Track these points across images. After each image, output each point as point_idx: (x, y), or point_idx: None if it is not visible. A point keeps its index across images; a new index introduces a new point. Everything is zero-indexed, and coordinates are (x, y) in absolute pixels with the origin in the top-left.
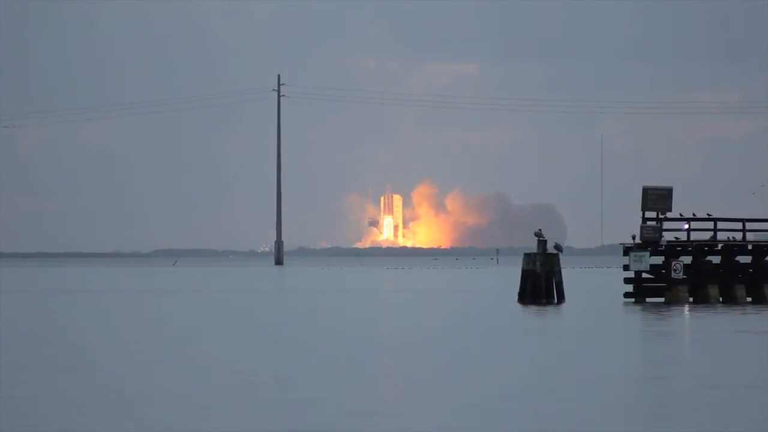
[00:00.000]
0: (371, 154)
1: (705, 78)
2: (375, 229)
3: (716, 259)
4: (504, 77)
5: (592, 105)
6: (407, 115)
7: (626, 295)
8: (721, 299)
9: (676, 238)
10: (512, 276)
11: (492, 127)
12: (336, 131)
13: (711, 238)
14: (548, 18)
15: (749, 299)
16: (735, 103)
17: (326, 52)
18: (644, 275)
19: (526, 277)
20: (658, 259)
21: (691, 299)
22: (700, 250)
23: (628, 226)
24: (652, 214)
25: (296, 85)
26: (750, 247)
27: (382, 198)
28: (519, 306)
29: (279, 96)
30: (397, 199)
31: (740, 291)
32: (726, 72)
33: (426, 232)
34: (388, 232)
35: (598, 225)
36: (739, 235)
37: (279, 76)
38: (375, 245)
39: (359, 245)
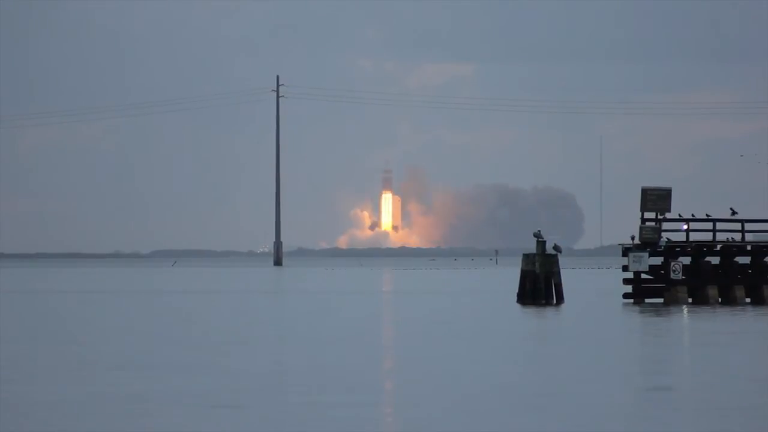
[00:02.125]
0: (370, 155)
1: (704, 78)
2: (374, 229)
3: (715, 260)
4: (500, 77)
5: (591, 105)
6: (406, 115)
7: (625, 295)
8: (720, 300)
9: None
10: (511, 276)
11: (489, 127)
12: (335, 132)
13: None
14: (546, 18)
15: (748, 300)
16: (734, 104)
17: (325, 53)
18: (643, 276)
19: (525, 277)
20: (657, 260)
21: (690, 300)
22: (699, 250)
23: (628, 226)
24: (651, 215)
25: (295, 85)
26: (749, 247)
27: (381, 198)
28: (518, 307)
29: (278, 97)
30: (396, 200)
31: (739, 292)
32: (725, 72)
33: (426, 231)
34: (386, 232)
35: (597, 226)
36: (738, 236)
37: (278, 76)
38: (374, 245)
39: (358, 246)
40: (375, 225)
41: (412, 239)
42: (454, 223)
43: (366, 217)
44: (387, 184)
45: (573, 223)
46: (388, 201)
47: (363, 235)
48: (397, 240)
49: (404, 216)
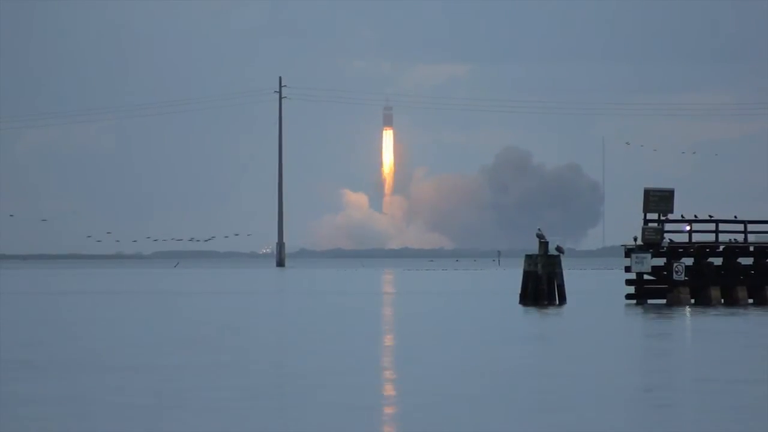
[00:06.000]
0: (372, 155)
1: (704, 79)
2: (376, 230)
3: (718, 261)
4: (499, 78)
5: (592, 106)
6: (408, 115)
7: (628, 296)
8: (722, 301)
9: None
10: (514, 277)
11: (487, 128)
12: (336, 132)
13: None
14: (544, 18)
15: (751, 301)
16: (734, 104)
17: (326, 54)
18: (646, 277)
19: (528, 278)
20: (660, 261)
21: (692, 301)
22: (701, 251)
23: (630, 227)
24: (654, 216)
25: (297, 87)
26: (752, 248)
27: (382, 198)
28: (520, 308)
29: (281, 98)
30: (396, 200)
31: (742, 293)
32: (725, 72)
33: (426, 231)
34: (389, 233)
35: (600, 226)
36: (740, 237)
37: (280, 78)
38: (376, 246)
39: (360, 247)
40: (375, 223)
41: (413, 239)
42: (451, 213)
43: (364, 201)
44: (388, 120)
45: (589, 203)
46: (389, 137)
47: (365, 238)
48: (398, 241)
49: (406, 218)
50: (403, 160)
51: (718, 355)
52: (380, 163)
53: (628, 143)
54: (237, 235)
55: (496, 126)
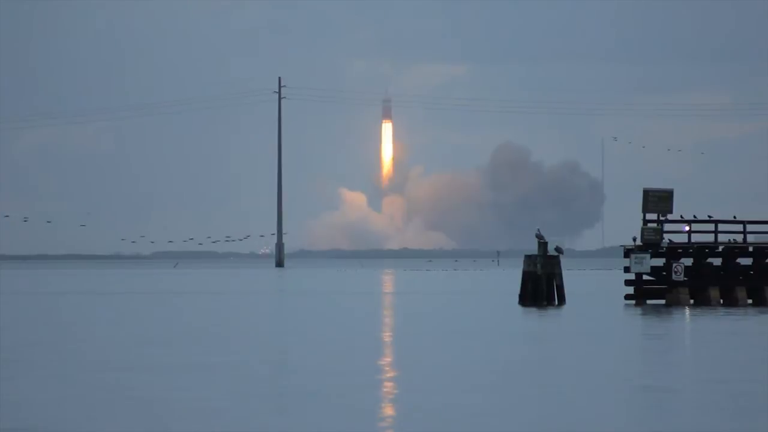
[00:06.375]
0: (370, 154)
1: (703, 79)
2: (375, 230)
3: (717, 262)
4: (498, 78)
5: (591, 106)
6: (407, 114)
7: (627, 297)
8: (721, 301)
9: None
10: (513, 278)
11: (486, 129)
12: (335, 133)
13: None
14: (544, 19)
15: (750, 301)
16: (733, 104)
17: (326, 54)
18: (645, 277)
19: (527, 279)
20: (659, 261)
21: (692, 301)
22: (701, 252)
23: (629, 228)
24: (653, 216)
25: (297, 87)
26: (751, 249)
27: (380, 197)
28: (520, 308)
29: (280, 98)
30: (395, 199)
31: (741, 293)
32: (725, 73)
33: (425, 230)
34: (388, 233)
35: (599, 227)
36: (739, 237)
37: (280, 78)
38: (375, 247)
39: (359, 247)
40: (375, 223)
41: (412, 239)
42: (450, 213)
43: (362, 200)
44: (387, 113)
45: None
46: (388, 130)
47: (365, 238)
48: (398, 242)
49: (406, 219)
50: (401, 159)
51: (717, 355)
52: (379, 161)
53: (615, 138)
54: (273, 234)
55: (496, 126)
